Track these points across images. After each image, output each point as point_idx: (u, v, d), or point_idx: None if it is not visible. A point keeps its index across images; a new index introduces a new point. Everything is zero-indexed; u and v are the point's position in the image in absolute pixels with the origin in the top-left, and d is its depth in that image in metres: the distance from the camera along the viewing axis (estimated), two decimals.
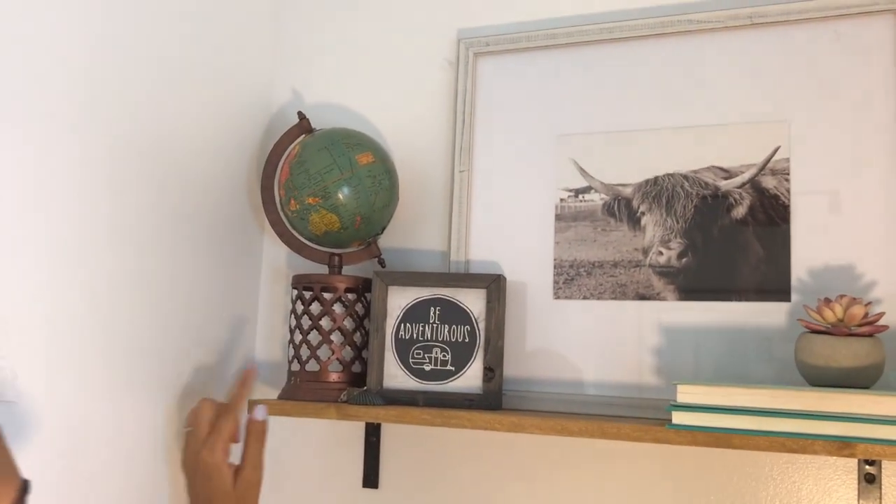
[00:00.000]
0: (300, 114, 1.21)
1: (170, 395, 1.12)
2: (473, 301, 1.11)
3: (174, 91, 1.13)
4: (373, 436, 1.21)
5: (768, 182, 1.04)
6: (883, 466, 0.97)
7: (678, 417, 0.87)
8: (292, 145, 1.20)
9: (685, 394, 0.87)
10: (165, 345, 1.11)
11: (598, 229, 1.12)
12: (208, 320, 1.20)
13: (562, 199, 1.14)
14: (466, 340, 1.10)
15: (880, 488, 0.97)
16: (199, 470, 0.99)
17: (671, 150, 1.09)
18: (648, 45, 1.12)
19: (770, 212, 1.04)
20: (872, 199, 0.99)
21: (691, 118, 1.09)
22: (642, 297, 1.08)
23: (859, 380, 0.86)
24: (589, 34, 1.14)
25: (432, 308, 1.12)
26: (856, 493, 0.99)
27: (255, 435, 1.04)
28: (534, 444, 1.13)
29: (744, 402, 0.85)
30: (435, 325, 1.11)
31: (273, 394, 1.24)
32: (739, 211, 1.05)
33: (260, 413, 1.05)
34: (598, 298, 1.10)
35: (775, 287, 1.02)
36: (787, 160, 1.04)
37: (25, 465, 0.65)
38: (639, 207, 1.10)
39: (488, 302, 1.10)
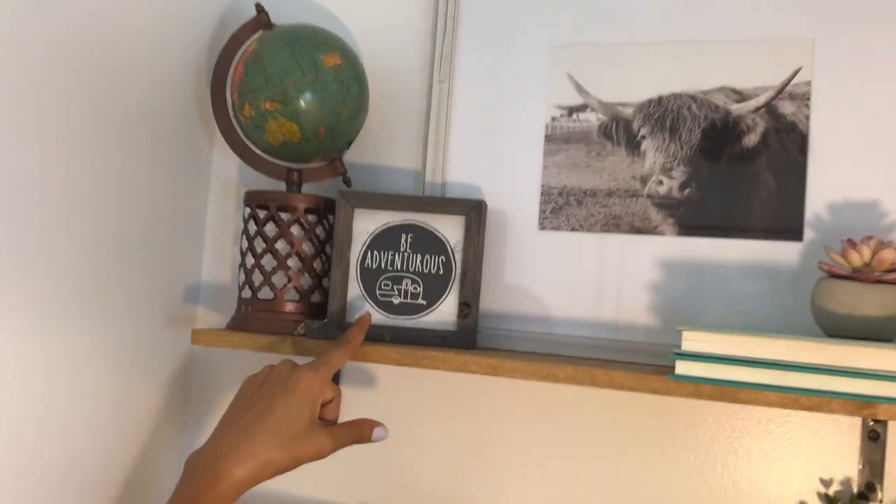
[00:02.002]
0: (258, 6, 1.05)
1: (102, 321, 0.99)
2: (450, 229, 0.99)
3: None
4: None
5: (786, 107, 0.93)
6: (889, 425, 0.90)
7: (682, 367, 0.77)
8: (248, 42, 1.05)
9: (691, 341, 0.77)
10: (98, 263, 0.98)
11: (593, 153, 1.00)
12: (149, 237, 1.06)
13: (553, 118, 1.02)
14: (441, 272, 0.99)
15: (884, 447, 0.90)
16: (288, 385, 0.82)
17: (679, 66, 0.97)
18: None
19: (786, 141, 0.93)
20: None
21: (703, 31, 0.96)
22: (638, 231, 0.97)
23: (884, 331, 0.77)
24: None
25: (404, 235, 1.00)
26: (857, 451, 0.91)
27: (354, 433, 0.86)
28: (510, 389, 1.03)
29: (757, 353, 0.75)
30: (406, 254, 1.00)
31: (220, 322, 1.12)
32: (752, 139, 0.94)
33: (379, 433, 0.87)
34: (589, 230, 0.99)
35: (787, 224, 0.92)
36: (809, 83, 0.92)
37: None
38: (639, 130, 0.98)
39: (467, 231, 0.98)
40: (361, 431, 0.86)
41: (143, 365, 1.07)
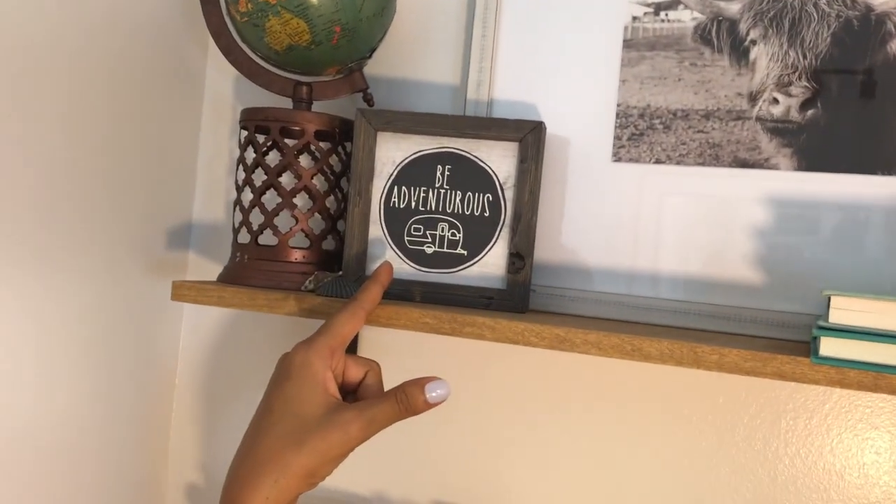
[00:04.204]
0: None
1: (71, 269, 0.80)
2: (499, 159, 0.77)
3: None
4: None
5: None
6: None
7: (829, 347, 0.56)
8: None
9: (843, 310, 0.56)
10: (64, 199, 0.78)
11: (686, 63, 0.77)
12: (126, 167, 0.86)
13: (635, 18, 0.79)
14: (487, 214, 0.77)
15: None
16: (281, 373, 0.63)
17: None
18: None
19: None
20: None
21: None
22: (744, 164, 0.75)
23: None
24: None
25: (440, 166, 0.78)
26: None
27: (397, 402, 0.61)
28: (565, 360, 0.83)
29: None
30: (443, 191, 0.78)
31: (212, 272, 0.92)
32: None
33: (437, 390, 0.61)
34: (679, 163, 0.77)
35: None
36: None
37: None
38: (748, 33, 0.76)
39: (521, 161, 0.76)
40: (409, 397, 0.61)
41: (119, 324, 0.88)
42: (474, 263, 0.77)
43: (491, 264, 0.77)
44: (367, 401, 0.62)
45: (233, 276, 0.81)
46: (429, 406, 0.61)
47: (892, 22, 0.72)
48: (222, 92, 0.96)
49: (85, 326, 0.83)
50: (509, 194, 0.77)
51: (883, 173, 0.71)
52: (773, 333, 0.72)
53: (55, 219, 0.78)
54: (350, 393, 0.67)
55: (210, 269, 0.96)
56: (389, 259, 0.78)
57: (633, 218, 0.78)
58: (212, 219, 0.97)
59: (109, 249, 0.85)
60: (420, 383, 0.61)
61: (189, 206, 0.97)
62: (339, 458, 0.60)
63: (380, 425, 0.61)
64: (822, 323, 0.56)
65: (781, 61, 0.74)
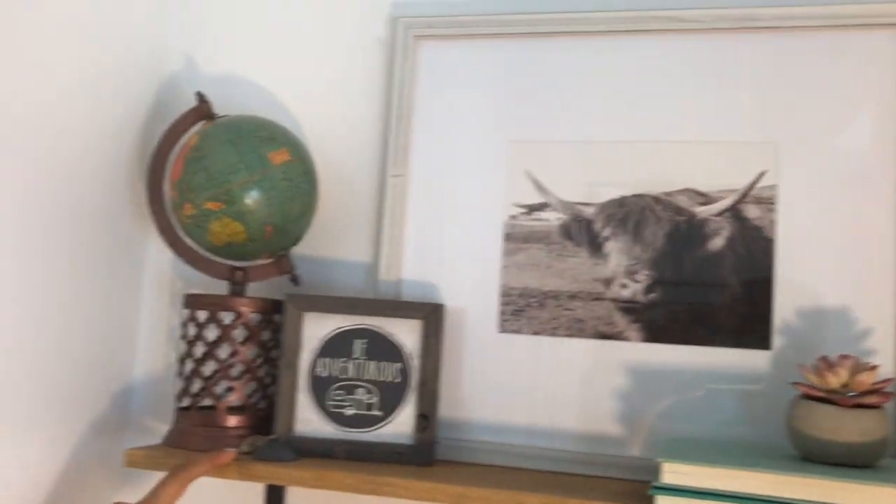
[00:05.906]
0: (199, 95, 0.99)
1: (26, 437, 0.90)
2: (407, 334, 0.93)
3: (36, 58, 0.88)
4: (275, 494, 1.02)
5: (751, 211, 0.91)
6: None
7: (663, 503, 0.73)
8: (188, 135, 0.98)
9: (673, 473, 0.73)
10: (10, 372, 0.88)
11: (554, 254, 0.96)
12: (69, 344, 0.97)
13: (512, 217, 0.98)
14: (397, 381, 0.93)
15: None
16: None
17: (642, 166, 0.94)
18: (623, 42, 0.96)
19: (751, 245, 0.91)
20: (870, 235, 0.88)
21: (667, 131, 0.94)
22: (603, 336, 0.93)
23: (866, 457, 0.74)
24: (553, 24, 0.97)
25: (357, 341, 0.94)
26: None
27: None
28: None
29: (742, 488, 0.71)
30: (360, 362, 0.93)
31: (155, 436, 1.03)
32: (717, 242, 0.92)
33: None
34: (552, 334, 0.95)
35: (755, 331, 0.89)
36: (774, 187, 0.91)
37: None
38: (602, 231, 0.95)
39: (425, 336, 0.92)
40: None
41: (68, 489, 0.97)
42: (388, 423, 0.92)
43: (402, 423, 0.92)
44: None
45: (175, 441, 0.93)
46: None
47: (709, 227, 0.92)
48: (162, 267, 1.09)
49: (34, 479, 0.93)
50: (416, 363, 0.93)
51: (707, 345, 0.90)
52: (629, 476, 0.88)
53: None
54: None
55: (147, 434, 1.06)
56: (315, 421, 0.92)
57: (516, 379, 0.95)
58: (150, 384, 1.08)
59: (57, 416, 0.95)
60: None
61: (130, 373, 1.08)
62: None
63: None
64: (655, 483, 0.73)
65: (628, 254, 0.94)
